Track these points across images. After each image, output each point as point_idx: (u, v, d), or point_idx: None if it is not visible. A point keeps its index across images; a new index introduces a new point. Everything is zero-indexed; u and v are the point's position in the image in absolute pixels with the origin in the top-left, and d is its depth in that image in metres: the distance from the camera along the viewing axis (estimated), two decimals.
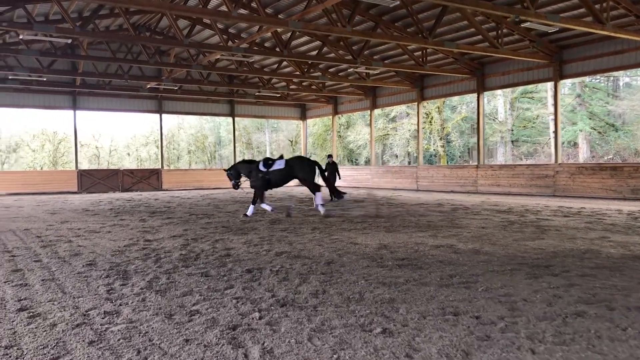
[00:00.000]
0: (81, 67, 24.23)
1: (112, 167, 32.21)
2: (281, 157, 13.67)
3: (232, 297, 5.12)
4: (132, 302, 4.98)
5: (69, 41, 15.97)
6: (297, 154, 53.68)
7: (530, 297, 5.02)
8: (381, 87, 27.35)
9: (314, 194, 13.56)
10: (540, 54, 18.61)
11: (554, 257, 7.16)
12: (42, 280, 5.99)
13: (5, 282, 5.90)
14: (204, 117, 55.20)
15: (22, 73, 20.62)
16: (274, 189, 13.90)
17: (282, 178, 13.41)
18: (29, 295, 5.30)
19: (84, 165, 45.29)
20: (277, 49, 18.58)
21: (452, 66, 21.77)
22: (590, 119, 38.89)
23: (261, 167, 13.43)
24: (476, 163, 22.77)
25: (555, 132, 19.43)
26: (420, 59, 20.30)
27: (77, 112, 27.26)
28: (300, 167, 13.31)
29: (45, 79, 22.92)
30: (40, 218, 13.54)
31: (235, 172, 14.13)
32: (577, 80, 33.94)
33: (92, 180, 26.87)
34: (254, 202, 13.56)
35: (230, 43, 20.71)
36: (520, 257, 7.19)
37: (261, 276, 6.08)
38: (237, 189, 14.30)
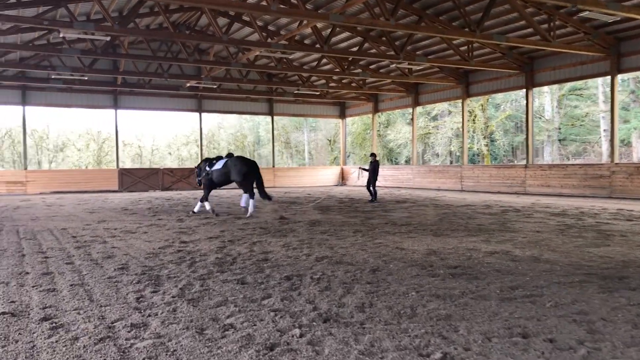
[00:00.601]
0: (122, 66, 24.37)
1: (153, 166, 32.50)
2: (228, 155, 14.03)
3: (269, 309, 4.65)
4: (162, 313, 4.57)
5: (108, 38, 15.89)
6: (335, 153, 53.31)
7: (610, 317, 4.36)
8: (424, 84, 26.55)
9: (245, 194, 13.90)
10: (595, 47, 17.52)
11: (625, 267, 6.42)
12: (71, 285, 5.66)
13: (33, 287, 5.59)
14: (243, 116, 55.41)
15: (65, 72, 20.80)
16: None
17: (221, 178, 13.69)
18: (55, 302, 4.96)
19: (127, 164, 46.01)
20: (317, 46, 18.12)
21: (500, 61, 20.82)
22: None
23: (206, 167, 14.04)
24: (524, 162, 21.73)
25: (612, 130, 18.27)
26: (466, 54, 19.46)
27: (119, 111, 27.50)
28: (233, 169, 13.35)
29: (86, 78, 23.12)
30: (79, 217, 13.46)
31: (199, 169, 14.66)
32: (631, 75, 32.26)
33: (132, 179, 27.04)
34: (201, 200, 14.05)
35: (269, 40, 20.37)
36: (587, 266, 6.48)
37: (301, 284, 5.60)
38: (199, 186, 14.87)
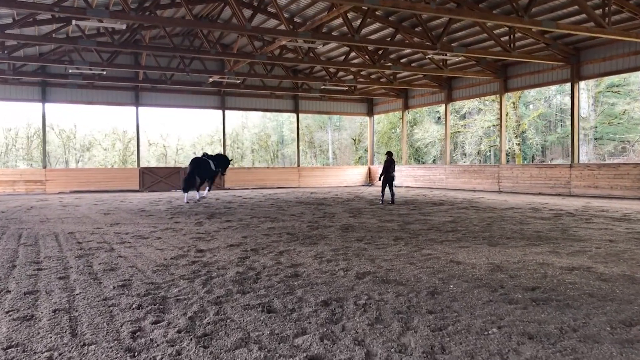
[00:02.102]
0: (143, 59, 23.49)
1: (178, 165, 31.81)
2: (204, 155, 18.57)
3: (306, 356, 3.43)
4: (161, 359, 3.39)
5: (124, 27, 14.88)
6: (360, 153, 51.96)
7: None
8: (458, 79, 25.08)
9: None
10: None
11: None
12: (55, 310, 4.53)
13: (7, 312, 4.48)
14: (267, 116, 54.53)
15: (83, 67, 19.93)
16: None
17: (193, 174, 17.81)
18: (25, 337, 3.83)
19: (152, 163, 45.49)
20: (348, 35, 16.85)
21: (544, 52, 19.27)
22: None
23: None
24: (566, 162, 20.13)
25: None
26: (508, 45, 17.99)
27: (140, 108, 26.65)
28: (198, 166, 17.77)
29: (105, 73, 22.28)
30: (92, 219, 12.45)
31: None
32: None
33: (153, 178, 26.16)
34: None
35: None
36: None
37: (343, 314, 4.37)
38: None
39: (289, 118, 51.94)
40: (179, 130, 52.51)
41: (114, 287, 5.36)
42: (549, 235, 8.98)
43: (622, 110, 39.44)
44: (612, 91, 40.01)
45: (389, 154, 16.45)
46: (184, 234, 9.51)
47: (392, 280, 5.64)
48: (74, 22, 13.07)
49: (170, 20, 14.07)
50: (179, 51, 19.59)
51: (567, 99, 42.47)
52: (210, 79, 24.25)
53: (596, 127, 40.58)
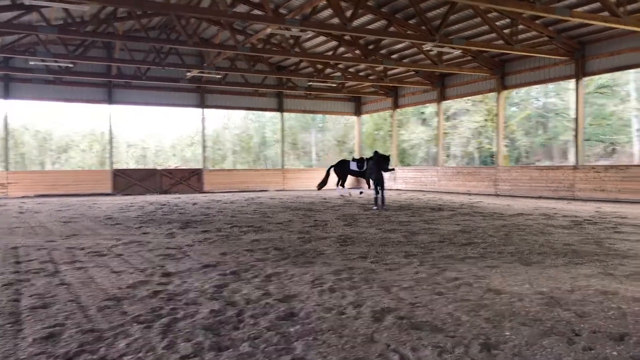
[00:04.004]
0: (117, 52, 21.80)
1: (158, 167, 29.99)
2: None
3: None
4: None
5: (87, 8, 13.21)
6: (344, 154, 50.49)
7: None
8: (451, 76, 23.77)
9: None
10: None
11: None
12: None
13: None
14: (250, 117, 52.77)
15: (47, 58, 18.13)
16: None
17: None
18: None
19: (131, 165, 43.57)
20: (338, 24, 15.35)
21: (547, 47, 18.00)
22: None
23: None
24: (573, 164, 18.94)
25: None
26: (510, 38, 16.68)
27: (113, 106, 24.85)
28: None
29: (73, 66, 20.50)
30: (47, 229, 10.77)
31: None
32: None
33: (127, 181, 24.38)
34: None
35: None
36: None
37: None
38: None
39: (271, 119, 50.29)
40: (159, 131, 50.53)
41: (34, 340, 3.78)
42: (585, 249, 7.59)
43: (611, 111, 38.67)
44: (600, 92, 39.20)
45: (375, 153, 15.22)
46: (151, 249, 7.92)
47: (424, 323, 4.15)
48: (27, 1, 11.36)
49: (141, 2, 12.42)
50: (154, 41, 17.91)
51: (556, 100, 41.72)
52: (189, 74, 22.58)
53: (585, 129, 39.71)
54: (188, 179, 25.52)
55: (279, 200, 19.37)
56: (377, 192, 15.09)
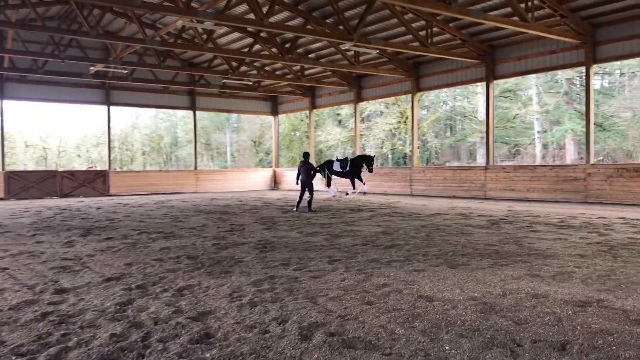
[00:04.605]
0: (9, 43, 19.87)
1: (61, 169, 27.56)
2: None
3: None
4: None
5: None
6: (260, 155, 49.73)
7: None
8: (368, 78, 23.85)
9: None
10: (571, 33, 15.47)
11: None
12: None
13: None
14: (160, 116, 50.65)
15: None
16: None
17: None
18: None
19: (30, 167, 40.32)
20: (254, 19, 14.71)
21: (460, 50, 18.41)
22: (579, 118, 36.57)
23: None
24: (483, 164, 19.52)
25: (587, 127, 16.30)
26: (426, 40, 16.86)
27: (5, 101, 22.67)
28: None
29: None
30: None
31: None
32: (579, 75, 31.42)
33: (22, 183, 22.30)
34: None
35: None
36: None
37: None
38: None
39: (183, 118, 48.52)
40: (61, 131, 47.24)
41: None
42: (506, 250, 7.57)
43: (514, 114, 40.79)
44: (504, 96, 41.28)
45: (306, 155, 14.67)
46: (44, 261, 6.98)
47: (357, 339, 3.73)
48: None
49: None
50: (52, 31, 16.41)
51: (464, 103, 43.47)
52: (92, 69, 21.02)
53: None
54: (92, 181, 23.79)
55: (192, 203, 18.45)
56: (301, 194, 14.58)
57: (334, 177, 20.43)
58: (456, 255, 7.15)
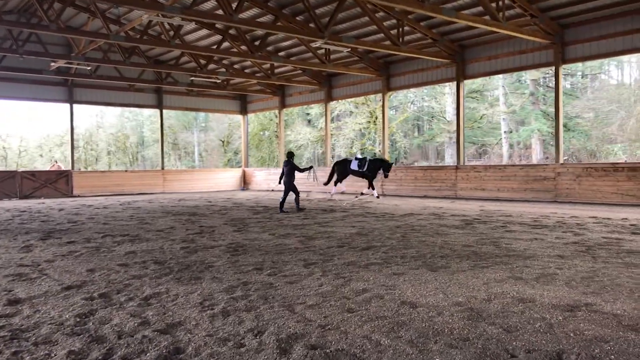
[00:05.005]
0: None
1: (21, 169, 26.44)
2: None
3: None
4: None
5: None
6: (229, 155, 48.98)
7: None
8: (338, 77, 23.64)
9: None
10: (541, 33, 15.56)
11: None
12: None
13: None
14: (125, 115, 49.45)
15: None
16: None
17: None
18: None
19: None
20: (223, 15, 14.29)
21: (431, 49, 18.37)
22: (545, 118, 37.23)
23: None
24: (453, 164, 19.51)
25: (557, 127, 16.44)
26: (398, 39, 16.74)
27: None
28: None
29: None
30: None
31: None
32: (569, 68, 31.96)
33: None
34: None
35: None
36: None
37: None
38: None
39: (150, 117, 47.49)
40: (23, 130, 45.70)
41: None
42: (484, 251, 7.42)
43: (481, 115, 41.26)
44: (472, 96, 41.75)
45: (289, 154, 14.30)
46: None
47: (340, 352, 3.46)
48: None
49: None
50: (10, 24, 15.67)
51: (432, 103, 43.77)
52: (54, 65, 20.22)
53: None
54: (55, 181, 22.94)
55: (159, 204, 17.91)
56: (285, 196, 14.21)
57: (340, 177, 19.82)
58: (435, 257, 6.96)
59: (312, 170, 15.29)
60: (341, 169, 19.78)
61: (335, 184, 20.08)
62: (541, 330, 3.88)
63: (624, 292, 4.95)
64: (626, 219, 11.27)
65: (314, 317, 4.25)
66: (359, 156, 19.85)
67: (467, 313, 4.31)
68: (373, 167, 19.07)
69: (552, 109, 36.89)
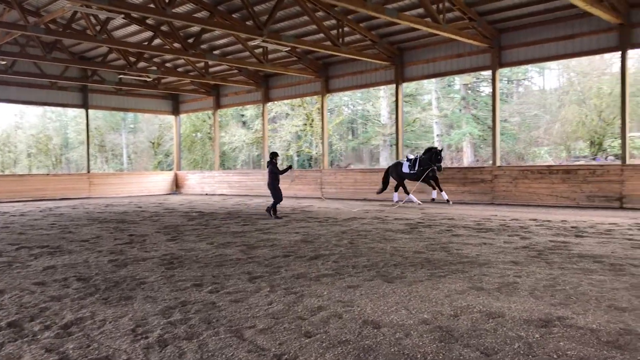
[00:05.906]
0: None
1: None
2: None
3: None
4: None
5: None
6: (159, 157, 47.22)
7: None
8: (276, 77, 23.05)
9: None
10: (479, 37, 15.69)
11: None
12: None
13: None
14: (48, 115, 46.59)
15: None
16: None
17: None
18: None
19: None
20: (155, 8, 13.38)
21: (370, 51, 18.16)
22: (476, 122, 38.28)
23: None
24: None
25: (494, 130, 16.65)
26: (337, 39, 16.40)
27: None
28: None
29: None
30: None
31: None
32: (506, 70, 32.73)
33: None
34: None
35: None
36: None
37: None
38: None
39: (75, 118, 44.98)
40: None
41: None
42: (437, 257, 7.11)
43: (414, 118, 41.94)
44: (405, 100, 42.32)
45: (272, 154, 13.47)
46: None
47: None
48: None
49: None
50: None
51: (367, 106, 44.08)
52: None
53: (392, 134, 42.62)
54: None
55: (84, 210, 16.65)
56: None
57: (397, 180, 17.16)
58: (387, 265, 6.57)
59: (290, 171, 14.27)
60: (397, 172, 16.97)
61: (396, 189, 17.23)
62: (521, 352, 3.51)
63: (591, 303, 4.72)
64: (565, 220, 11.40)
65: (267, 345, 3.69)
66: (410, 156, 16.83)
67: (437, 333, 3.90)
68: (423, 164, 16.02)
69: (482, 113, 38.07)
